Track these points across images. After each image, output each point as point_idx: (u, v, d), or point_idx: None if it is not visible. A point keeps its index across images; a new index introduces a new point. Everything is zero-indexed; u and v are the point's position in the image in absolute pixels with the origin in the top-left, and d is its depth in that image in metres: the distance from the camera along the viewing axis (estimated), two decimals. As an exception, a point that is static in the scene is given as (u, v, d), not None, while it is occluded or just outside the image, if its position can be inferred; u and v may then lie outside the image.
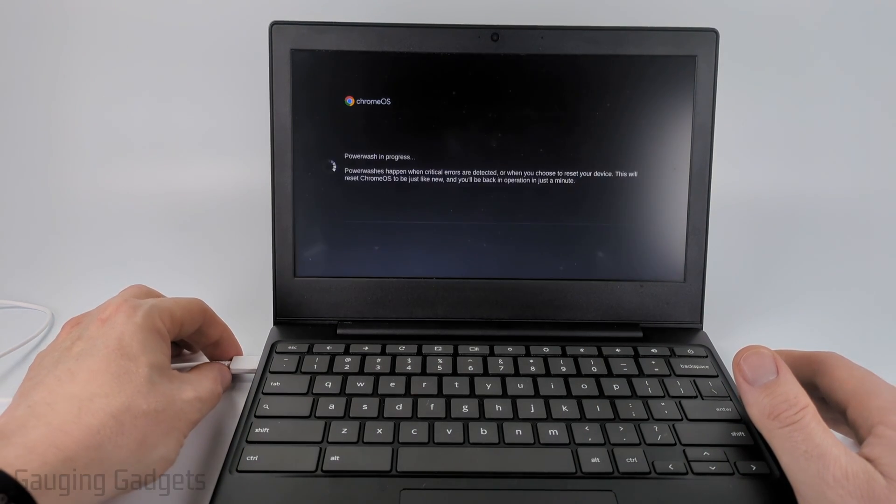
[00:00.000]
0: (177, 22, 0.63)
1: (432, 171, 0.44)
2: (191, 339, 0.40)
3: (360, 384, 0.39)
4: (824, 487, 0.28)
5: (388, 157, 0.44)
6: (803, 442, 0.29)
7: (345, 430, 0.35)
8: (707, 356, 0.42)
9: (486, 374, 0.40)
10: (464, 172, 0.44)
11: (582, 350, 0.42)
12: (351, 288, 0.45)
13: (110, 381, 0.30)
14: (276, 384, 0.39)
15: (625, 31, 0.43)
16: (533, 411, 0.37)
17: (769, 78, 0.66)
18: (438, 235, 0.45)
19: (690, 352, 0.43)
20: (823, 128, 0.68)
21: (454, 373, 0.40)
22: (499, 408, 0.37)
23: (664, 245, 0.45)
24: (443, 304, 0.45)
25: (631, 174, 0.45)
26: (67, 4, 0.63)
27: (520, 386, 0.39)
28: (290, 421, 0.36)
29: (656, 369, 0.41)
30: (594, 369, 0.40)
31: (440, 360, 0.41)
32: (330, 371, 0.40)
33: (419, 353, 0.42)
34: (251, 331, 0.44)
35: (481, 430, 0.35)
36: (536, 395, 0.38)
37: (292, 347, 0.42)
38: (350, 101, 0.44)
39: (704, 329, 0.45)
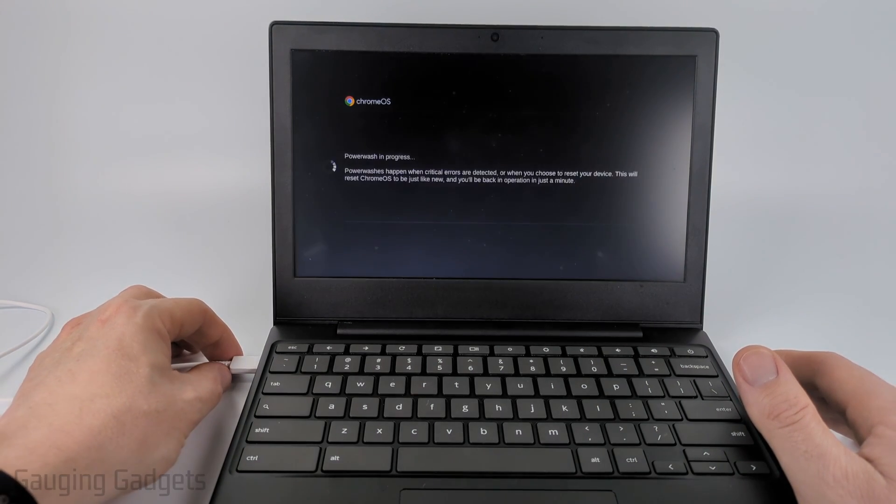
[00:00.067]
0: (177, 22, 0.63)
1: (432, 172, 0.44)
2: (191, 339, 0.40)
3: (360, 384, 0.39)
4: (824, 487, 0.28)
5: (388, 157, 0.44)
6: (803, 442, 0.29)
7: (345, 430, 0.35)
8: (707, 356, 0.42)
9: (486, 374, 0.40)
10: (464, 172, 0.45)
11: (582, 350, 0.42)
12: (351, 288, 0.45)
13: (111, 381, 0.30)
14: (276, 384, 0.39)
15: (625, 31, 0.43)
16: (533, 411, 0.37)
17: (769, 78, 0.66)
18: (438, 235, 0.45)
19: (690, 352, 0.43)
20: (823, 128, 0.68)
21: (454, 373, 0.40)
22: (499, 408, 0.37)
23: (664, 245, 0.45)
24: (443, 304, 0.45)
25: (631, 174, 0.45)
26: (69, 5, 0.63)
27: (520, 386, 0.39)
28: (290, 421, 0.36)
29: (656, 369, 0.41)
30: (594, 369, 0.40)
31: (440, 360, 0.41)
32: (330, 371, 0.40)
33: (419, 353, 0.42)
34: (251, 331, 0.44)
35: (481, 430, 0.35)
36: (536, 395, 0.38)
37: (292, 347, 0.42)
38: (350, 101, 0.44)
39: (704, 329, 0.45)
